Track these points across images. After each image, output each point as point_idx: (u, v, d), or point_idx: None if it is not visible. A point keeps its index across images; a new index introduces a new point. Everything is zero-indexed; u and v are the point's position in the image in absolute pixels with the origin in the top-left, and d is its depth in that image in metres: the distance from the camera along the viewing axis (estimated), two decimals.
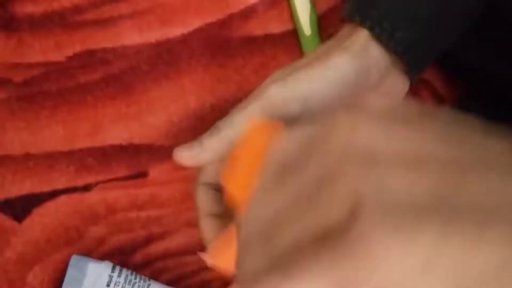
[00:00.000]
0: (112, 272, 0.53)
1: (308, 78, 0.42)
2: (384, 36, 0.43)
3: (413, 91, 0.67)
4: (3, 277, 0.52)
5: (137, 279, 0.53)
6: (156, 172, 0.57)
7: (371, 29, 0.43)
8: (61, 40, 0.56)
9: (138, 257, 0.56)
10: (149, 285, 0.53)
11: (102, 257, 0.55)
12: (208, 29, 0.60)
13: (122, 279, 0.53)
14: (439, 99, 0.68)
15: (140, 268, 0.56)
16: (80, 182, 0.55)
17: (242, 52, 0.61)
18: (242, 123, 0.43)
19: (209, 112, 0.60)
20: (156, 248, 0.56)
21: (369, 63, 0.43)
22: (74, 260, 0.53)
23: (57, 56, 0.56)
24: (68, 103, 0.56)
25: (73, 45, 0.56)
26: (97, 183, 0.56)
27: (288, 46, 0.64)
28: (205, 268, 0.57)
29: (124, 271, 0.53)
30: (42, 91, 0.55)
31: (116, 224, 0.56)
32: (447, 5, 0.45)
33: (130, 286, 0.53)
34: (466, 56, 0.59)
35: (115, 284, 0.52)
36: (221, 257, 0.40)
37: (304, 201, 0.24)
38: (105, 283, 0.52)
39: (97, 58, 0.57)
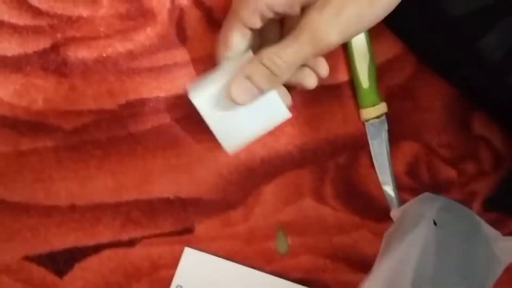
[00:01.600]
0: None
1: None
2: None
3: (471, 149, 0.64)
4: None
5: None
6: (202, 228, 0.55)
7: None
8: (114, 88, 0.54)
9: None
10: None
11: None
12: None
13: None
14: (498, 159, 0.65)
15: None
16: (125, 237, 0.53)
17: (295, 103, 0.59)
18: None
19: (258, 165, 0.58)
20: None
21: None
22: None
23: (110, 104, 0.54)
24: (118, 153, 0.54)
25: (126, 93, 0.54)
26: (142, 238, 0.54)
27: (343, 97, 0.61)
28: None
29: None
30: (92, 140, 0.53)
31: (159, 281, 0.54)
32: None
33: None
34: None
35: None
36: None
37: None
38: None
39: (149, 107, 0.55)
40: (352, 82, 0.60)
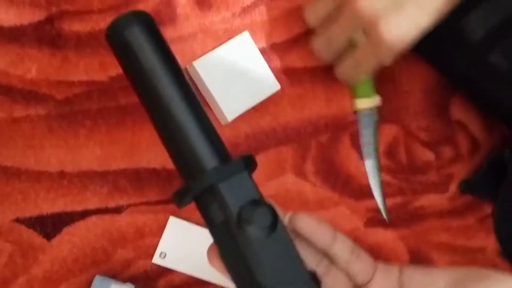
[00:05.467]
0: None
1: None
2: None
3: (448, 133, 0.66)
4: None
5: None
6: None
7: None
8: (105, 60, 0.56)
9: (161, 283, 0.56)
10: None
11: (126, 280, 0.55)
12: None
13: None
14: (474, 144, 0.67)
15: None
16: (111, 204, 0.55)
17: (281, 84, 0.61)
18: None
19: (243, 141, 0.60)
20: (181, 275, 0.56)
21: None
22: (98, 280, 0.53)
23: (101, 76, 0.56)
24: (107, 123, 0.56)
25: (117, 66, 0.56)
26: (128, 206, 0.56)
27: (327, 80, 0.63)
28: None
29: None
30: (83, 110, 0.55)
31: (143, 249, 0.56)
32: None
33: None
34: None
35: None
36: None
37: None
38: None
39: None
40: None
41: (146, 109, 0.38)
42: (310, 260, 0.39)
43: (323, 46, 0.58)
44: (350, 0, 0.51)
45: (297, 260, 0.34)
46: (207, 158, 0.34)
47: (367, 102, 0.62)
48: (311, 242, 0.38)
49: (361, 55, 0.56)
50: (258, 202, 0.32)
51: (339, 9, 0.54)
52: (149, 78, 0.36)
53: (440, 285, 0.37)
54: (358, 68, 0.58)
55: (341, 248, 0.38)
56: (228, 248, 0.33)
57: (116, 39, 0.39)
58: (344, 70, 0.59)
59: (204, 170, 0.34)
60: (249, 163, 0.35)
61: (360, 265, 0.39)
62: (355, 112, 0.63)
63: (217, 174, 0.33)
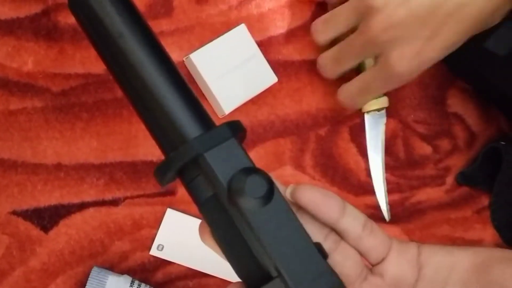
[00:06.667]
0: (131, 286, 0.53)
1: None
2: None
3: (446, 126, 0.66)
4: (26, 286, 0.52)
5: None
6: (184, 190, 0.57)
7: None
8: None
9: (159, 275, 0.56)
10: None
11: (124, 272, 0.55)
12: None
13: None
14: (471, 136, 0.67)
15: (160, 287, 0.55)
16: (108, 196, 0.55)
17: (278, 76, 0.61)
18: None
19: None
20: (179, 267, 0.56)
21: None
22: (95, 272, 0.53)
23: (97, 68, 0.56)
24: (103, 116, 0.56)
25: None
26: (125, 198, 0.56)
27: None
28: None
29: (143, 286, 0.53)
30: (79, 102, 0.55)
31: (140, 241, 0.56)
32: None
33: None
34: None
35: None
36: None
37: None
38: None
39: None
40: (358, 71, 0.58)
41: (117, 80, 0.34)
42: (315, 235, 0.34)
43: (330, 66, 0.57)
44: (366, 29, 0.50)
45: (299, 231, 0.30)
46: (189, 127, 0.30)
47: (376, 104, 0.60)
48: (316, 215, 0.34)
49: (369, 79, 0.55)
50: (251, 169, 0.29)
51: (351, 32, 0.53)
52: (117, 43, 0.32)
53: (462, 266, 0.34)
54: (365, 91, 0.56)
55: (351, 222, 0.35)
56: (221, 224, 0.30)
57: (77, 4, 0.35)
58: (349, 92, 0.57)
59: (187, 140, 0.30)
60: (237, 130, 0.31)
61: (373, 241, 0.35)
62: (362, 113, 0.62)
63: (202, 143, 0.29)
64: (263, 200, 0.28)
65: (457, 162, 0.67)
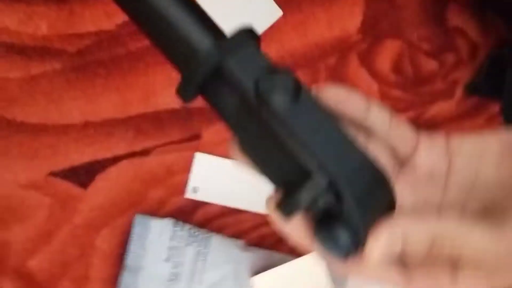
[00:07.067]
0: (175, 227, 0.55)
1: None
2: None
3: (448, 40, 0.68)
4: (74, 242, 0.54)
5: (199, 232, 0.55)
6: (209, 133, 0.58)
7: None
8: (110, 9, 0.57)
9: (198, 216, 0.58)
10: (210, 237, 0.55)
11: (164, 217, 0.57)
12: None
13: (185, 233, 0.55)
14: (474, 47, 0.69)
15: (200, 227, 0.57)
16: (138, 147, 0.57)
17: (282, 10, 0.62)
18: None
19: None
20: (215, 206, 0.58)
21: None
22: (138, 218, 0.55)
23: (108, 24, 0.56)
24: (120, 70, 0.57)
25: (122, 13, 0.57)
26: (154, 147, 0.57)
27: (325, 2, 0.65)
28: (262, 224, 0.59)
29: (186, 226, 0.55)
30: (95, 60, 0.56)
31: (175, 186, 0.57)
32: None
33: (193, 239, 0.55)
34: None
35: (179, 237, 0.54)
36: None
37: None
38: (169, 237, 0.54)
39: None
40: None
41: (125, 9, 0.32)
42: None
43: None
44: None
45: (334, 124, 0.28)
46: (203, 38, 0.29)
47: None
48: (342, 113, 0.33)
49: None
50: (274, 69, 0.27)
51: None
52: None
53: (493, 150, 0.33)
54: None
55: (378, 116, 0.33)
56: (251, 132, 0.28)
57: None
58: None
59: (204, 49, 0.29)
60: (253, 34, 0.30)
61: (402, 134, 0.33)
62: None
63: (220, 49, 0.28)
64: (292, 96, 0.27)
65: (463, 74, 0.69)
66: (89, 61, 0.56)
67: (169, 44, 0.30)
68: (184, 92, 0.29)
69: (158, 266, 0.54)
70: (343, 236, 0.26)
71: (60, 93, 0.55)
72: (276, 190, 0.29)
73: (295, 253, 0.57)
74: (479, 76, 0.68)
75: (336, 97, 0.32)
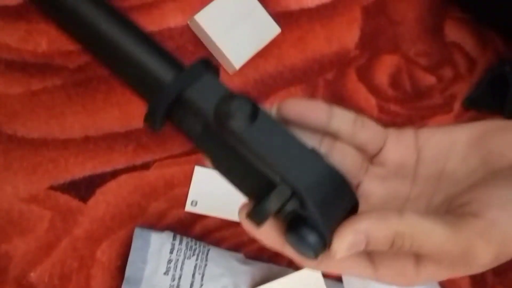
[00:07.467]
0: (174, 240, 0.55)
1: None
2: None
3: (446, 55, 0.69)
4: (74, 254, 0.54)
5: (197, 245, 0.56)
6: None
7: None
8: None
9: (197, 229, 0.58)
10: (208, 250, 0.56)
11: (163, 230, 0.57)
12: None
13: (183, 246, 0.55)
14: (471, 62, 0.70)
15: (199, 239, 0.58)
16: (138, 161, 0.57)
17: (280, 27, 0.63)
18: None
19: (252, 87, 0.62)
20: (214, 219, 0.58)
21: None
22: (138, 232, 0.55)
23: None
24: (121, 86, 0.58)
25: None
26: (154, 161, 0.58)
27: (324, 18, 0.66)
28: None
29: (185, 239, 0.56)
30: (96, 76, 0.57)
31: (175, 199, 0.58)
32: None
33: (192, 252, 0.55)
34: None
35: (177, 250, 0.55)
36: None
37: None
38: (169, 251, 0.55)
39: None
40: None
41: (86, 47, 0.33)
42: (309, 143, 0.33)
43: None
44: None
45: (292, 138, 0.31)
46: (164, 72, 0.32)
47: None
48: (305, 124, 0.34)
49: None
50: (232, 95, 0.30)
51: None
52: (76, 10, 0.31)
53: (461, 142, 0.34)
54: None
55: (341, 121, 0.34)
56: (217, 152, 0.31)
57: None
58: None
59: (165, 83, 0.31)
60: (208, 65, 0.32)
61: (367, 133, 0.35)
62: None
63: (180, 82, 0.31)
64: (250, 117, 0.30)
65: (461, 89, 0.69)
66: (89, 76, 0.57)
67: (134, 78, 0.33)
68: (151, 121, 0.32)
69: (158, 279, 0.54)
70: (311, 237, 0.29)
71: (61, 109, 0.56)
72: (248, 200, 0.31)
73: (294, 265, 0.58)
74: (477, 91, 0.69)
75: (296, 109, 0.33)
